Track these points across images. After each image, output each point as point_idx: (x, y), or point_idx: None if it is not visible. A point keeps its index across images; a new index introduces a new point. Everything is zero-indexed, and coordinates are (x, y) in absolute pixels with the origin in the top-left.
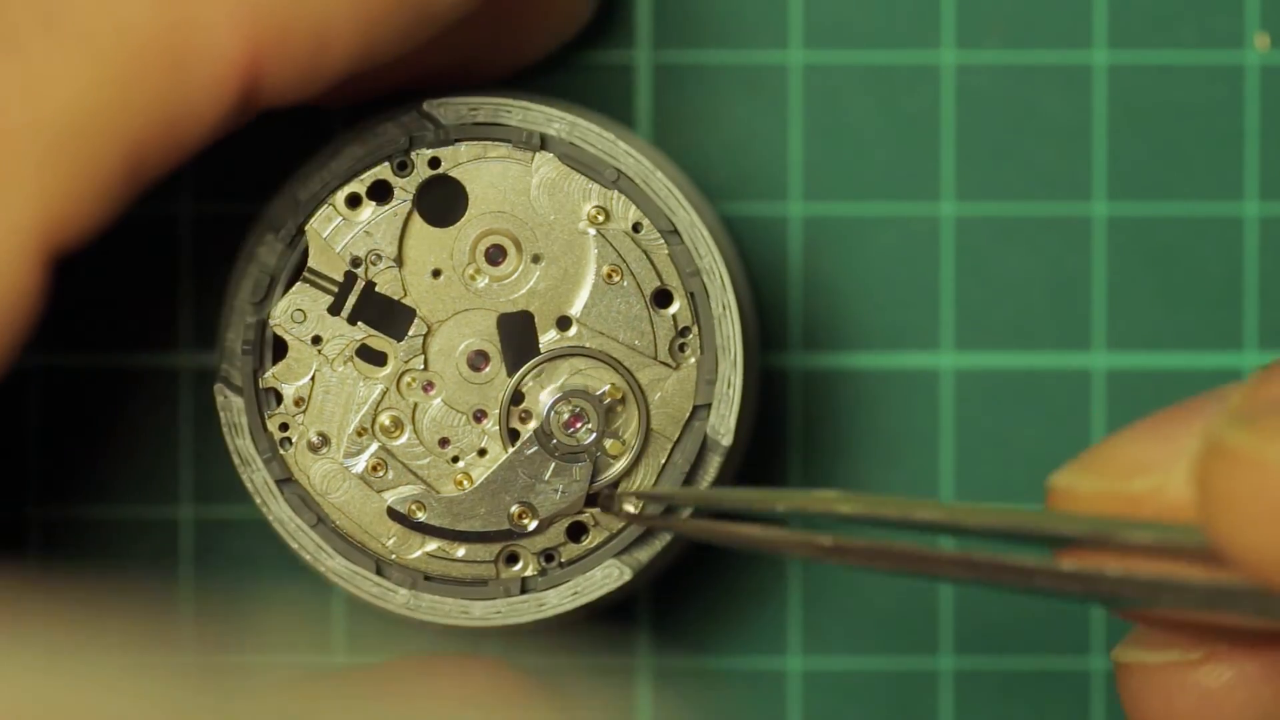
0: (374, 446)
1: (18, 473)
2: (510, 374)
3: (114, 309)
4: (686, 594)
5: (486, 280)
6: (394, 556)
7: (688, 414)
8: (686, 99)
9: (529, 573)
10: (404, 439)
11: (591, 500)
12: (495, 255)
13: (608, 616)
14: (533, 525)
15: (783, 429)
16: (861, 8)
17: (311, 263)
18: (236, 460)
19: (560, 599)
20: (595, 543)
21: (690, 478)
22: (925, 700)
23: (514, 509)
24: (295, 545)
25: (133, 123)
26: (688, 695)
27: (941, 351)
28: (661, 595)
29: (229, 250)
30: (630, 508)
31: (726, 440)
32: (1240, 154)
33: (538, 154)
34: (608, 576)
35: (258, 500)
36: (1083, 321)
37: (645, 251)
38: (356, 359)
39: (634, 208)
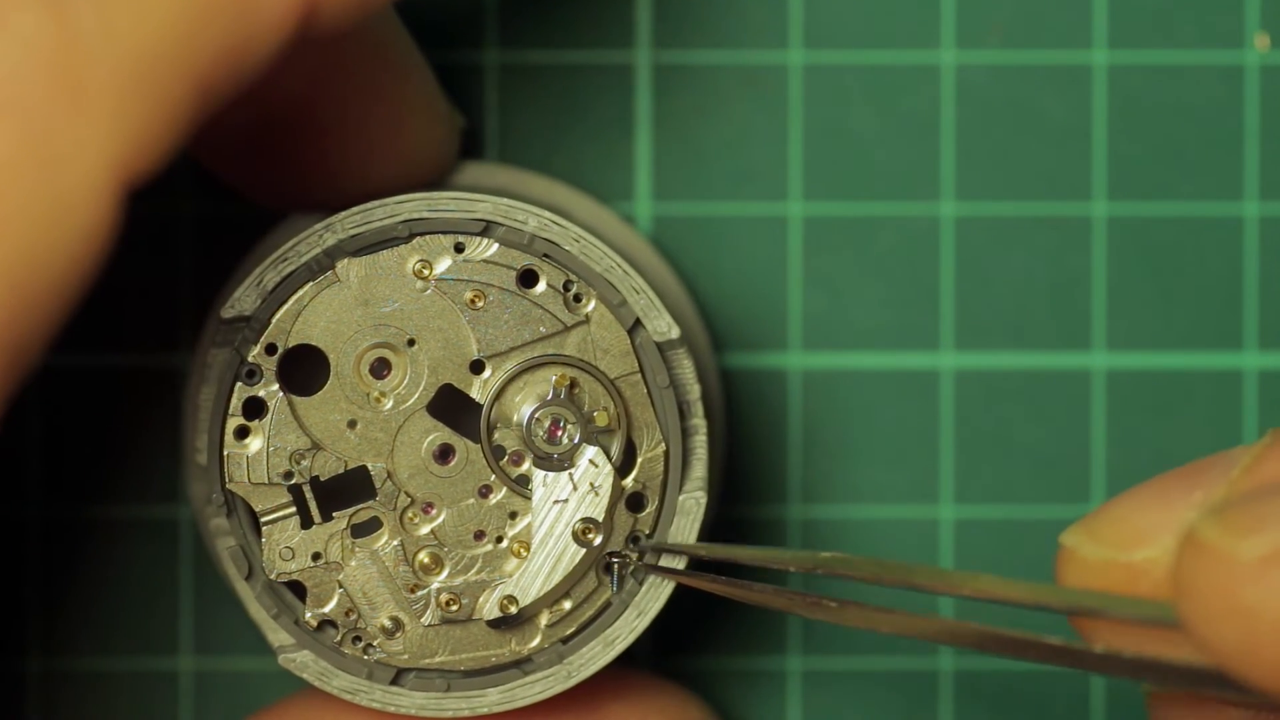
0: (433, 588)
1: (18, 473)
2: (476, 441)
3: (114, 309)
4: (687, 594)
5: (391, 395)
6: (528, 650)
7: (628, 343)
8: (686, 99)
9: (632, 568)
10: (448, 564)
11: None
12: (380, 369)
13: None
14: (598, 539)
15: (783, 429)
16: (861, 8)
17: (257, 510)
18: (351, 699)
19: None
20: (658, 502)
21: (675, 387)
22: (925, 700)
23: (576, 529)
24: (450, 714)
25: (204, 54)
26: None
27: (941, 351)
28: None
29: (229, 250)
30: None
31: (674, 332)
32: (1240, 154)
33: (337, 266)
34: (696, 503)
35: (394, 709)
36: (1083, 321)
37: (483, 260)
38: (357, 541)
39: (441, 237)
